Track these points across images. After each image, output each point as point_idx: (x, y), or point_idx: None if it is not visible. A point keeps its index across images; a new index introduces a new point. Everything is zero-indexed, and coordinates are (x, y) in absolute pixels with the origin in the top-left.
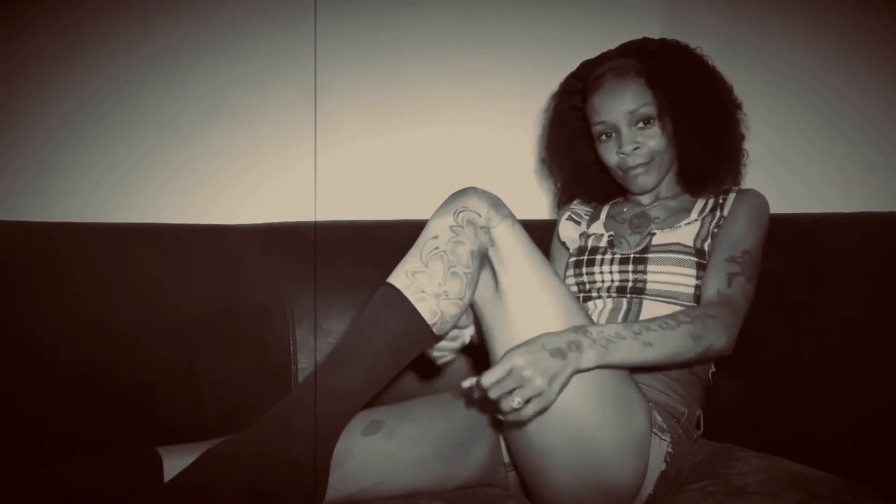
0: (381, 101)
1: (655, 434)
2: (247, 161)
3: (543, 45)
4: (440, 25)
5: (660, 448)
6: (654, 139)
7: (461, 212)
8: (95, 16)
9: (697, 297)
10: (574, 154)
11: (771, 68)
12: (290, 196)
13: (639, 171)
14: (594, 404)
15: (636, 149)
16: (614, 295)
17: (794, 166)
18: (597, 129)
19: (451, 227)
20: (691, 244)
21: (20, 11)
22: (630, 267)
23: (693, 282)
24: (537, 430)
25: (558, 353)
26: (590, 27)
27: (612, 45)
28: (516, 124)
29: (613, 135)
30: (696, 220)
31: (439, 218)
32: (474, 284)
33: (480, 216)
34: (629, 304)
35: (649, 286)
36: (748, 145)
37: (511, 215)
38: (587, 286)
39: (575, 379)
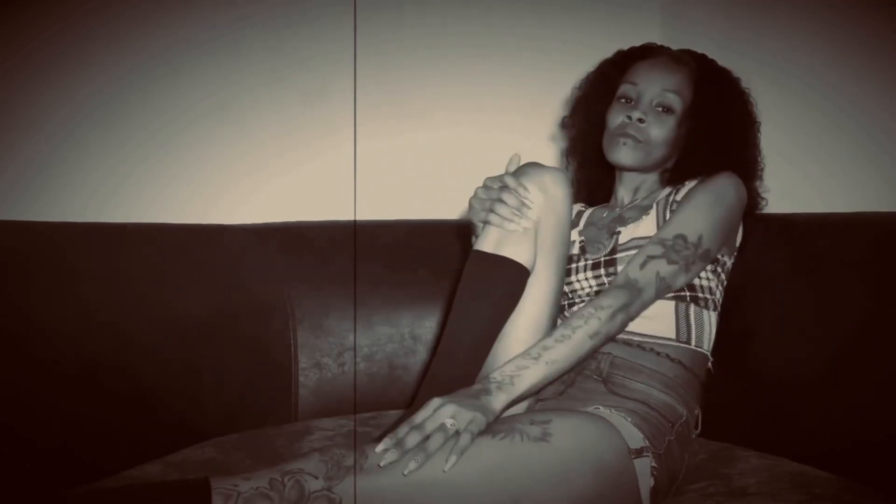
0: (381, 103)
1: (634, 459)
2: (248, 162)
3: (543, 45)
4: (441, 27)
5: (643, 466)
6: (660, 128)
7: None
8: (97, 16)
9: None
10: (592, 110)
11: (771, 67)
12: (290, 196)
13: (627, 141)
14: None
15: (640, 121)
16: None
17: (796, 165)
18: (623, 87)
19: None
20: (654, 233)
21: (20, 11)
22: (602, 271)
23: None
24: None
25: (473, 404)
26: (590, 27)
27: (614, 45)
28: (516, 126)
29: (632, 102)
30: (653, 209)
31: None
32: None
33: (317, 479)
34: None
35: None
36: None
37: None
38: (570, 295)
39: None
